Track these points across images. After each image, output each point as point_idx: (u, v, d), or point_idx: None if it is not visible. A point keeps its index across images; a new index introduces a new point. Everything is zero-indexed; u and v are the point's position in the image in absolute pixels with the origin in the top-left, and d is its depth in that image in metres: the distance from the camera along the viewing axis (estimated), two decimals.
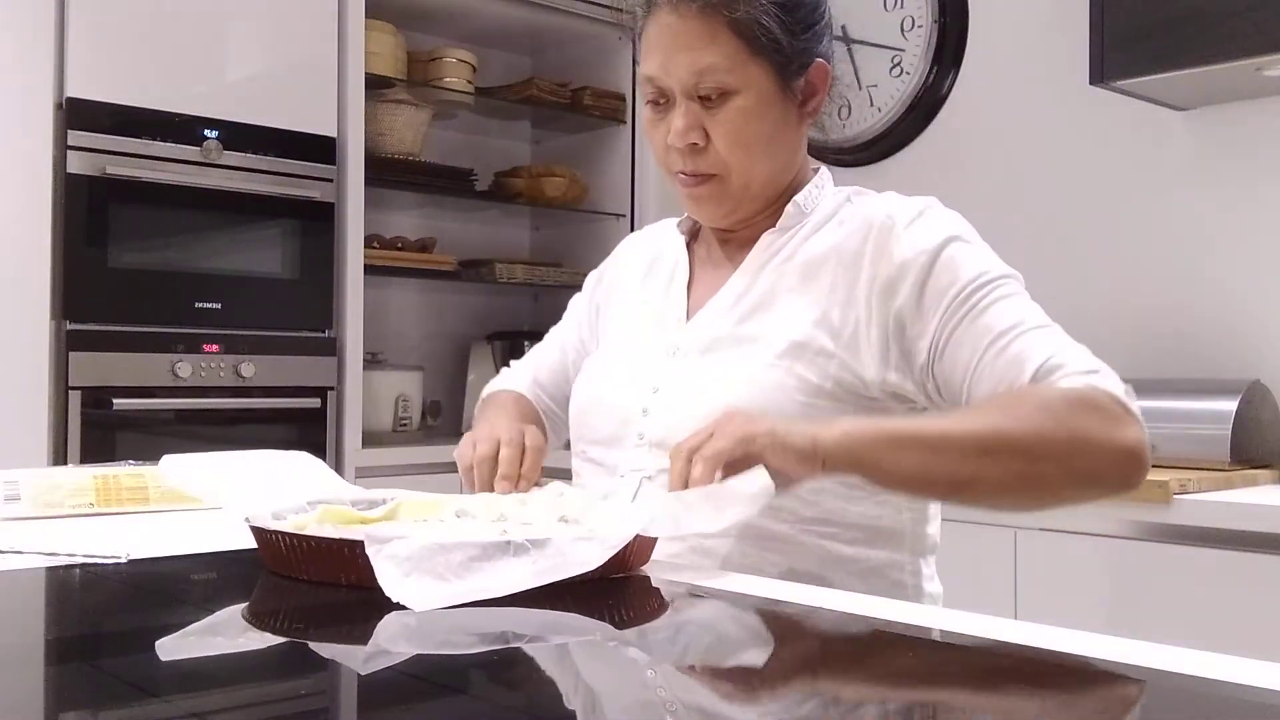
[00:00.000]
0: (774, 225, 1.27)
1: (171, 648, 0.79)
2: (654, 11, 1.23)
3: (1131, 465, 1.07)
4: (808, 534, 1.18)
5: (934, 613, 0.86)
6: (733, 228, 1.31)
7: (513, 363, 1.58)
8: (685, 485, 1.02)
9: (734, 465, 1.02)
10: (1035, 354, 1.11)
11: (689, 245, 1.37)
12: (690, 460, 1.03)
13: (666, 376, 1.25)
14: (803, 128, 1.28)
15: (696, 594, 0.96)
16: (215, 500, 1.21)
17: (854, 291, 1.19)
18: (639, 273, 1.41)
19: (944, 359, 1.16)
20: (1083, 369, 1.09)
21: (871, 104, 2.94)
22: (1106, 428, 1.05)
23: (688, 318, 1.29)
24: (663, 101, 1.24)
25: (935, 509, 1.28)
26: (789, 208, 1.27)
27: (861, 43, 2.97)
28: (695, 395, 1.20)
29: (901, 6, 2.89)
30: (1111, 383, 1.09)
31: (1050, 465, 1.05)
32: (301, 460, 1.41)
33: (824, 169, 1.33)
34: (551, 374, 1.50)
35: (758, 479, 1.01)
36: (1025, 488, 1.08)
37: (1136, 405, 1.09)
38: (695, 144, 1.22)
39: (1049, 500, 1.12)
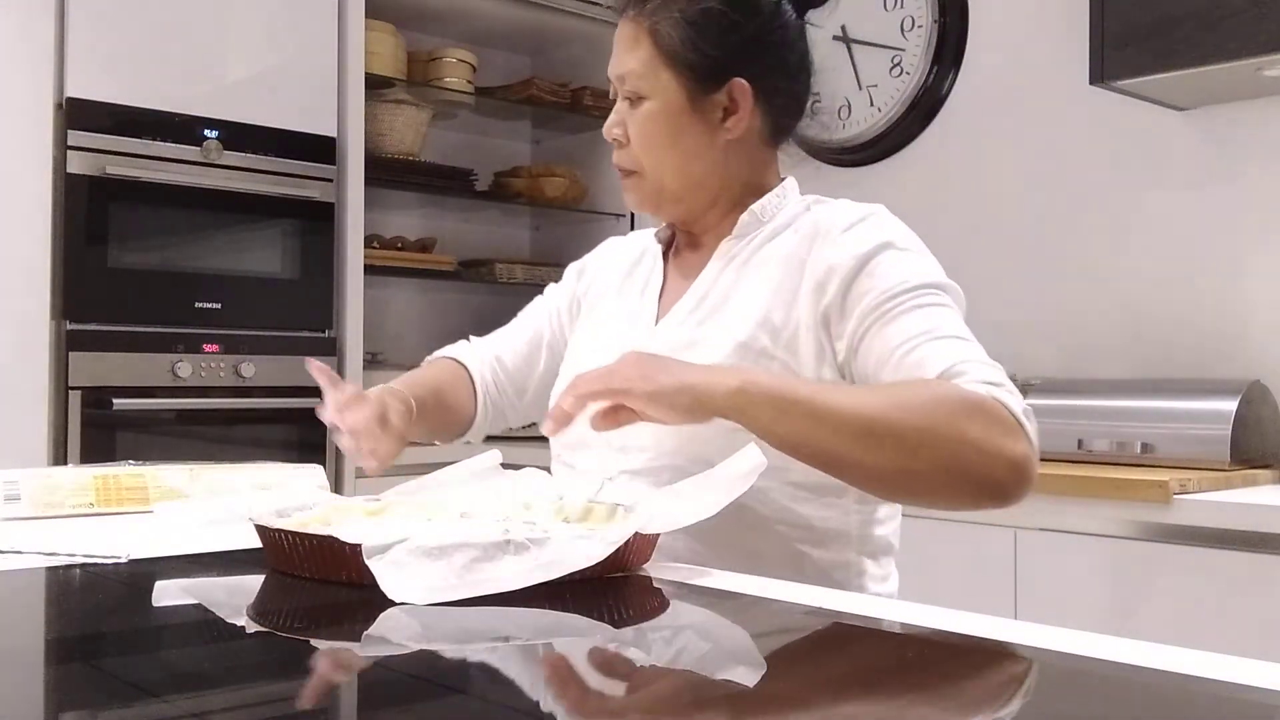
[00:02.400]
0: (730, 234, 1.32)
1: (173, 646, 0.79)
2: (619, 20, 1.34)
3: (1012, 477, 1.07)
4: (753, 533, 1.19)
5: (934, 613, 0.86)
6: (688, 226, 1.36)
7: (472, 338, 1.58)
8: (563, 412, 1.10)
9: (612, 413, 1.09)
10: (939, 360, 1.12)
11: (665, 254, 1.42)
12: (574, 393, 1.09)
13: None
14: (720, 141, 1.29)
15: (697, 593, 0.96)
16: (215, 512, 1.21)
17: (795, 294, 1.23)
18: (619, 275, 1.44)
19: (857, 361, 1.19)
20: (984, 379, 1.10)
21: (871, 104, 2.95)
22: (994, 435, 1.06)
23: (656, 323, 1.33)
24: (615, 101, 1.34)
25: (890, 510, 1.29)
26: (744, 216, 1.31)
27: (861, 43, 2.97)
28: None
29: (901, 6, 2.89)
30: (1011, 398, 1.09)
31: (928, 459, 1.06)
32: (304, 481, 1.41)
33: (790, 180, 1.36)
34: (516, 358, 1.52)
35: (749, 458, 1.02)
36: (901, 477, 1.08)
37: (1032, 426, 1.09)
38: (619, 139, 1.31)
39: (923, 494, 1.11)
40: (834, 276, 1.20)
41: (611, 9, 1.35)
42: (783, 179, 1.36)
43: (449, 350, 1.56)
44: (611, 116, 1.32)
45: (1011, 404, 1.08)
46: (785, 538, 1.21)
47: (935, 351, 1.12)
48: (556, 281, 1.57)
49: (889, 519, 1.29)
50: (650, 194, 1.32)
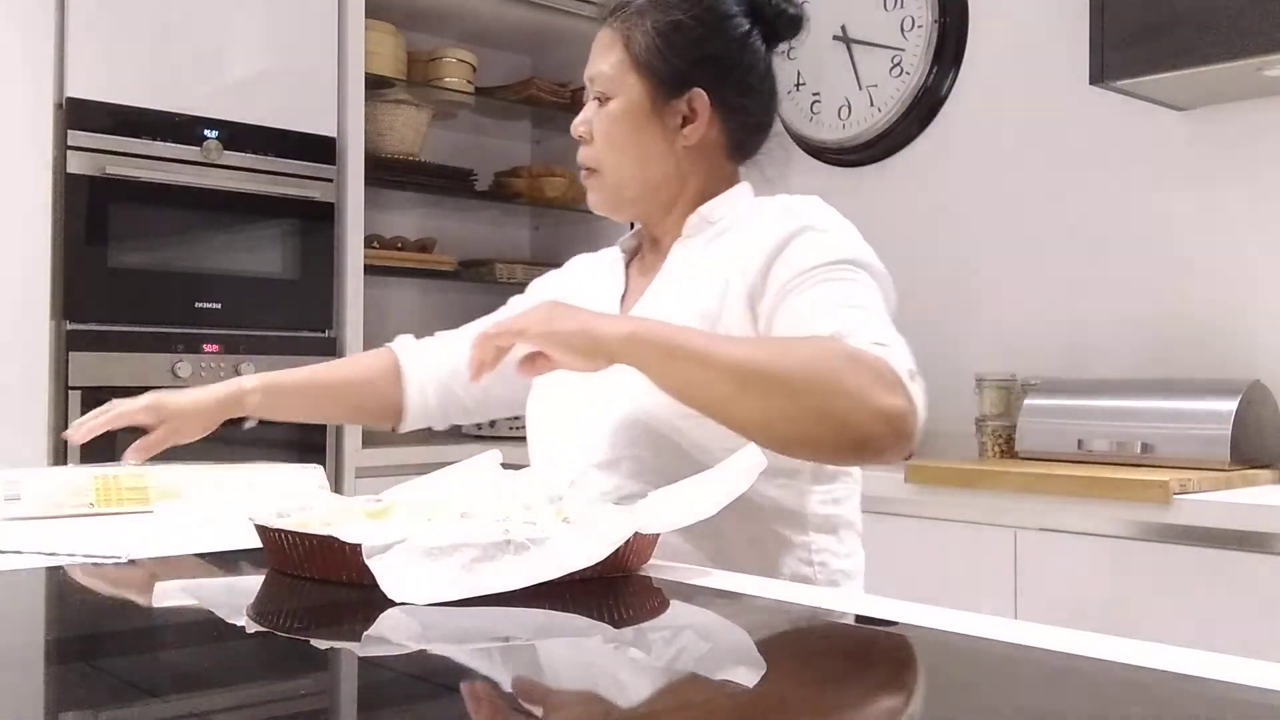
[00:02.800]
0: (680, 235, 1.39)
1: (173, 647, 0.79)
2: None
3: (885, 430, 1.09)
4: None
5: (934, 613, 0.86)
6: (648, 229, 1.42)
7: (441, 334, 1.64)
8: (478, 360, 1.17)
9: (529, 361, 1.16)
10: (833, 324, 1.15)
11: (631, 261, 1.48)
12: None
13: (597, 385, 1.32)
14: (677, 146, 1.36)
15: (697, 593, 0.96)
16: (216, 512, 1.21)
17: (726, 282, 1.29)
18: (580, 285, 1.50)
19: (772, 334, 1.24)
20: (873, 340, 1.13)
21: (871, 104, 2.94)
22: (870, 387, 1.08)
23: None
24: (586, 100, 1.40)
25: (847, 490, 1.34)
26: (691, 217, 1.38)
27: (861, 43, 2.97)
28: (620, 399, 1.28)
29: (901, 6, 2.89)
30: (896, 356, 1.12)
31: (805, 406, 1.08)
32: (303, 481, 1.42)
33: (743, 184, 1.42)
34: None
35: (748, 457, 1.02)
36: (780, 422, 1.11)
37: (917, 386, 1.12)
38: (584, 136, 1.38)
39: (801, 441, 1.13)
40: (756, 260, 1.26)
41: (596, 18, 1.43)
42: (735, 183, 1.42)
43: (405, 347, 1.65)
44: (580, 114, 1.39)
45: (895, 361, 1.11)
46: (745, 517, 1.24)
47: (834, 317, 1.16)
48: None
49: (846, 499, 1.35)
50: (608, 193, 1.39)
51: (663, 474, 1.18)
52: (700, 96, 1.35)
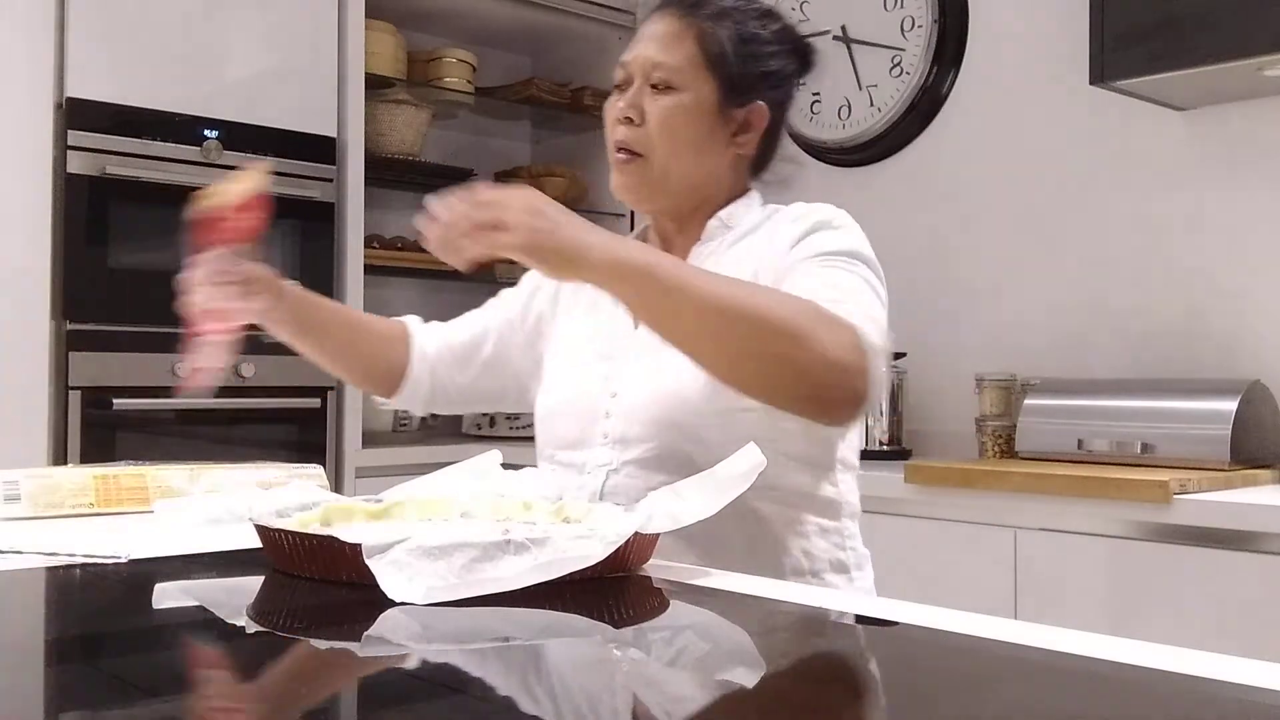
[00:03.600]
0: (699, 239, 1.40)
1: (173, 647, 0.79)
2: (651, 14, 1.42)
3: (843, 390, 1.13)
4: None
5: (934, 613, 0.86)
6: (665, 222, 1.43)
7: (436, 322, 1.63)
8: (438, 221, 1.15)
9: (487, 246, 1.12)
10: (823, 298, 1.18)
11: None
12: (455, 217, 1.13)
13: (623, 380, 1.35)
14: (729, 153, 1.39)
15: (697, 593, 0.96)
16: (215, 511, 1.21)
17: (757, 276, 1.31)
18: (589, 288, 1.46)
19: None
20: (854, 316, 1.17)
21: (871, 104, 2.95)
22: (836, 345, 1.12)
23: (636, 326, 1.36)
24: (625, 86, 1.39)
25: (854, 480, 1.39)
26: (711, 222, 1.39)
27: (861, 43, 2.97)
28: (651, 393, 1.30)
29: (901, 6, 2.89)
30: (867, 328, 1.16)
31: (771, 349, 1.11)
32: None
33: (754, 191, 1.45)
34: (463, 335, 1.57)
35: (748, 458, 1.02)
36: (745, 360, 1.13)
37: (879, 363, 1.16)
38: (631, 119, 1.36)
39: (764, 382, 1.15)
40: (778, 257, 1.30)
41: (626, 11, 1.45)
42: (747, 190, 1.44)
43: (408, 319, 1.63)
44: (628, 97, 1.37)
45: (865, 332, 1.15)
46: (779, 503, 1.29)
47: (826, 292, 1.19)
48: None
49: (854, 488, 1.39)
50: (649, 179, 1.37)
51: (702, 468, 1.14)
52: (761, 110, 1.38)
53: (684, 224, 1.41)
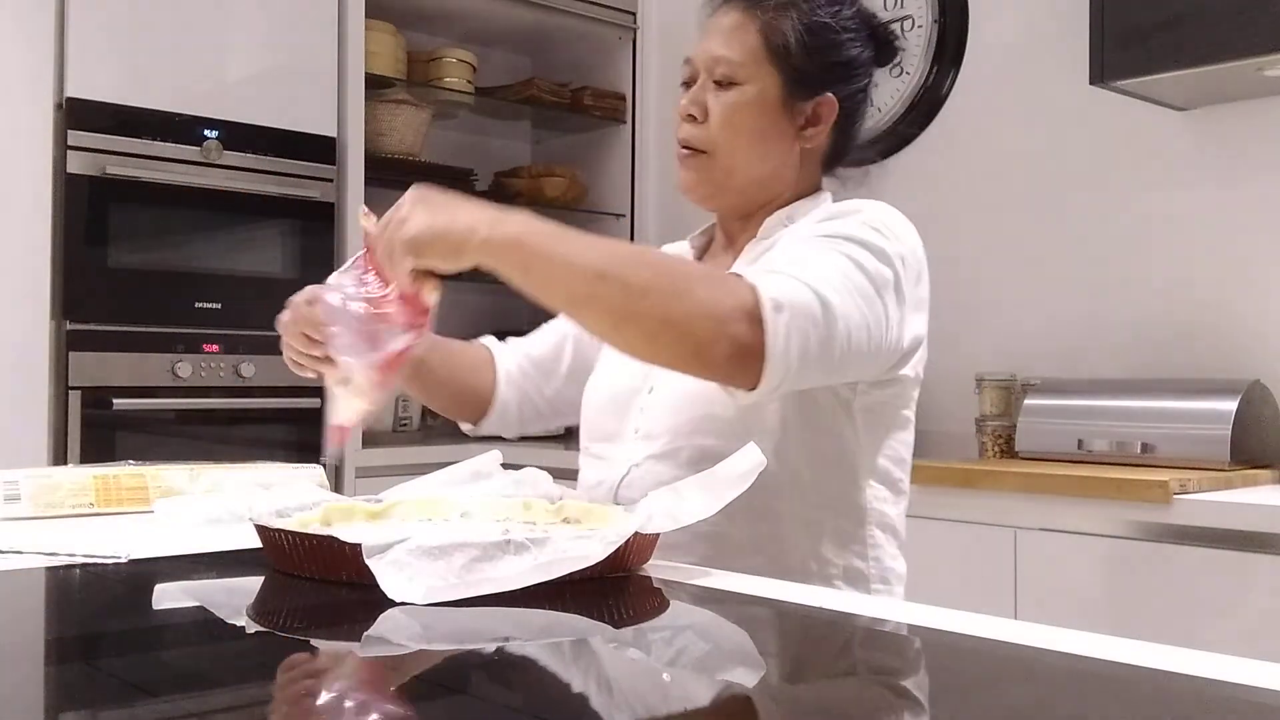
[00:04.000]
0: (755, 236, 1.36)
1: (173, 647, 0.79)
2: (716, 8, 1.38)
3: (729, 346, 1.06)
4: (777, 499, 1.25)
5: (934, 613, 0.86)
6: (730, 219, 1.40)
7: (513, 339, 1.62)
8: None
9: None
10: (773, 266, 1.14)
11: (700, 259, 1.46)
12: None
13: (661, 375, 1.32)
14: (796, 148, 1.35)
15: (697, 593, 0.96)
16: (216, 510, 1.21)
17: None
18: None
19: None
20: (773, 269, 1.13)
21: (871, 104, 2.94)
22: (720, 302, 1.07)
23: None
24: (691, 83, 1.36)
25: (897, 495, 1.35)
26: (769, 220, 1.35)
27: None
28: (684, 388, 1.27)
29: (901, 6, 2.89)
30: (771, 285, 1.09)
31: (651, 309, 1.06)
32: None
33: (826, 192, 1.41)
34: (543, 348, 1.56)
35: (748, 457, 1.02)
36: (627, 322, 1.08)
37: (782, 317, 1.08)
38: (694, 116, 1.34)
39: (649, 344, 1.11)
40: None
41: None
42: (818, 189, 1.41)
43: (488, 340, 1.61)
44: (691, 94, 1.35)
45: (765, 290, 1.08)
46: (799, 501, 1.27)
47: (772, 264, 1.15)
48: None
49: (897, 502, 1.35)
50: (713, 176, 1.34)
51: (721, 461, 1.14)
52: (830, 102, 1.34)
53: (748, 222, 1.38)
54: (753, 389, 1.10)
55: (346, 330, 1.14)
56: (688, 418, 1.27)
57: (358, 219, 1.18)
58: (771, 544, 1.26)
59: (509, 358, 1.55)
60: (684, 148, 1.35)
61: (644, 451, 1.30)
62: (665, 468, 1.27)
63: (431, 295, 1.14)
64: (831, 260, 1.16)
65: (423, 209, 1.09)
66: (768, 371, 1.08)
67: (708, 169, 1.34)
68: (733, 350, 1.07)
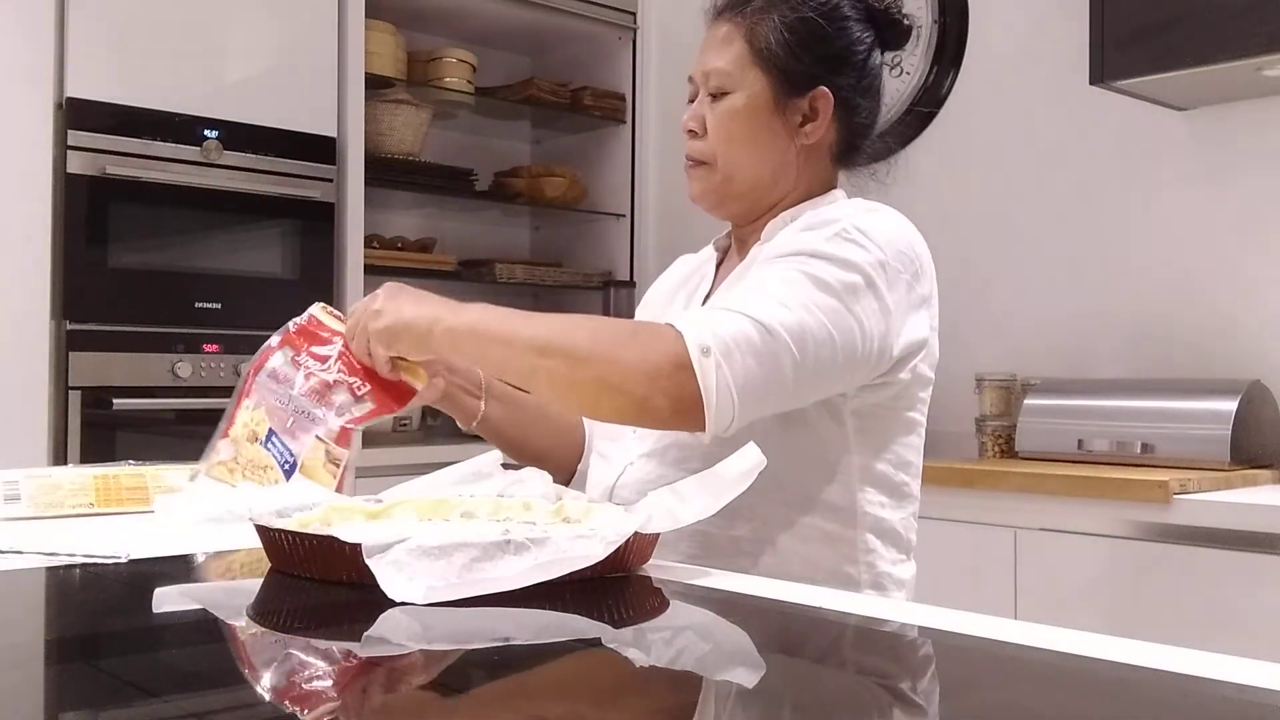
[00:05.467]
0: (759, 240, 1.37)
1: (172, 647, 0.79)
2: (709, 24, 1.40)
3: (666, 399, 1.11)
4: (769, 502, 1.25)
5: (934, 613, 0.86)
6: (741, 225, 1.41)
7: None
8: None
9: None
10: (727, 304, 1.17)
11: (720, 261, 1.47)
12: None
13: None
14: (795, 146, 1.35)
15: (697, 593, 0.96)
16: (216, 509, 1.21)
17: None
18: (673, 287, 1.51)
19: None
20: (717, 306, 1.17)
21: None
22: (646, 358, 1.11)
23: None
24: (693, 99, 1.38)
25: (900, 500, 1.36)
26: (772, 223, 1.35)
27: None
28: None
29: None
30: (699, 332, 1.11)
31: (590, 375, 1.13)
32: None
33: (839, 190, 1.40)
34: None
35: (748, 457, 1.02)
36: (571, 390, 1.17)
37: (710, 360, 1.10)
38: (693, 130, 1.36)
39: (594, 406, 1.19)
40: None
41: (707, 13, 1.41)
42: (831, 188, 1.39)
43: None
44: (692, 109, 1.37)
45: (693, 336, 1.11)
46: (791, 506, 1.27)
47: (727, 302, 1.18)
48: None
49: (900, 507, 1.36)
50: (715, 185, 1.36)
51: (705, 460, 1.13)
52: (825, 96, 1.33)
53: (757, 225, 1.37)
54: (705, 431, 1.13)
55: (292, 413, 1.35)
56: None
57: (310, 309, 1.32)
58: (754, 544, 1.26)
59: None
60: (689, 160, 1.37)
61: (638, 450, 1.32)
62: (654, 466, 1.29)
63: (416, 383, 1.28)
64: (787, 280, 1.18)
65: (392, 302, 1.21)
66: (710, 415, 1.11)
67: (710, 179, 1.36)
68: (670, 402, 1.11)
